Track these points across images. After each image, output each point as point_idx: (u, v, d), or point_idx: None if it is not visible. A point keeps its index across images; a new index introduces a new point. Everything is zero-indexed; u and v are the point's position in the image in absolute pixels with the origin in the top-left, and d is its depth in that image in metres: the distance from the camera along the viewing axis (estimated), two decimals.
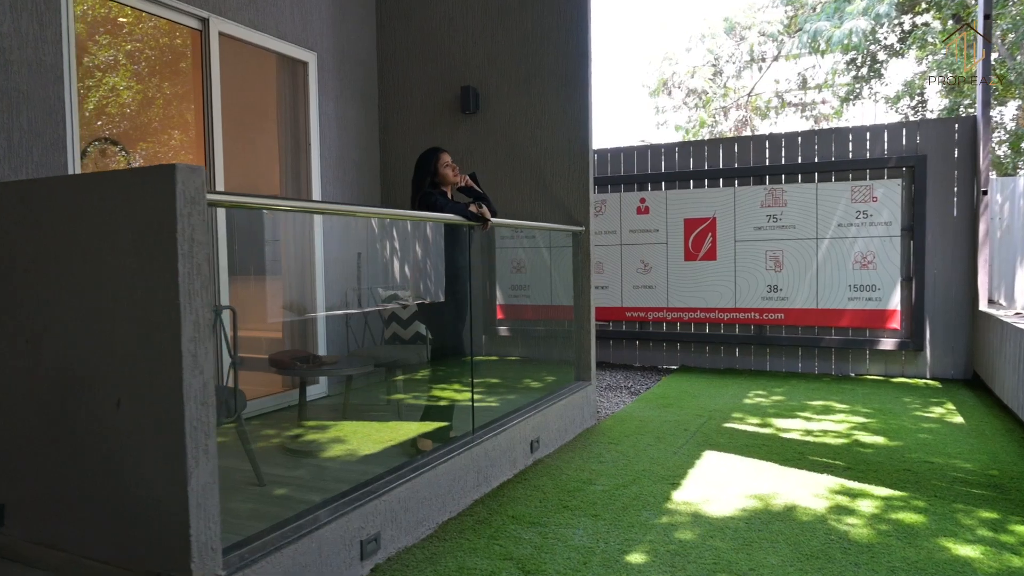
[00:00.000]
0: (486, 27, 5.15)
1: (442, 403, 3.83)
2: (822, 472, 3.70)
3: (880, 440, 4.33)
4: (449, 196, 3.76)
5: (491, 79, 5.16)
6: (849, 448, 4.17)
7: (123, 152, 4.03)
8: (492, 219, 3.48)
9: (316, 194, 4.91)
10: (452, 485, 3.13)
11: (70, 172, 3.32)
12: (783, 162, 6.83)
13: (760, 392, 5.92)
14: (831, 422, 4.82)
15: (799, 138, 6.78)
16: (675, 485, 3.51)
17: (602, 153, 7.62)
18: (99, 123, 3.76)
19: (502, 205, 5.06)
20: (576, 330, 4.94)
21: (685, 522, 3.03)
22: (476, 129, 5.24)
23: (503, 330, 6.27)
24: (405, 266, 4.61)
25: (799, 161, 6.77)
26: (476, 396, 4.91)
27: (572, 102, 4.85)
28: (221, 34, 4.15)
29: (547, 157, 4.96)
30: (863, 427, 4.66)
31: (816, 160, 6.69)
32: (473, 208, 3.41)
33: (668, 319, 7.30)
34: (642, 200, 7.36)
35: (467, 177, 3.81)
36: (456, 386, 3.88)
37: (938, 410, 5.13)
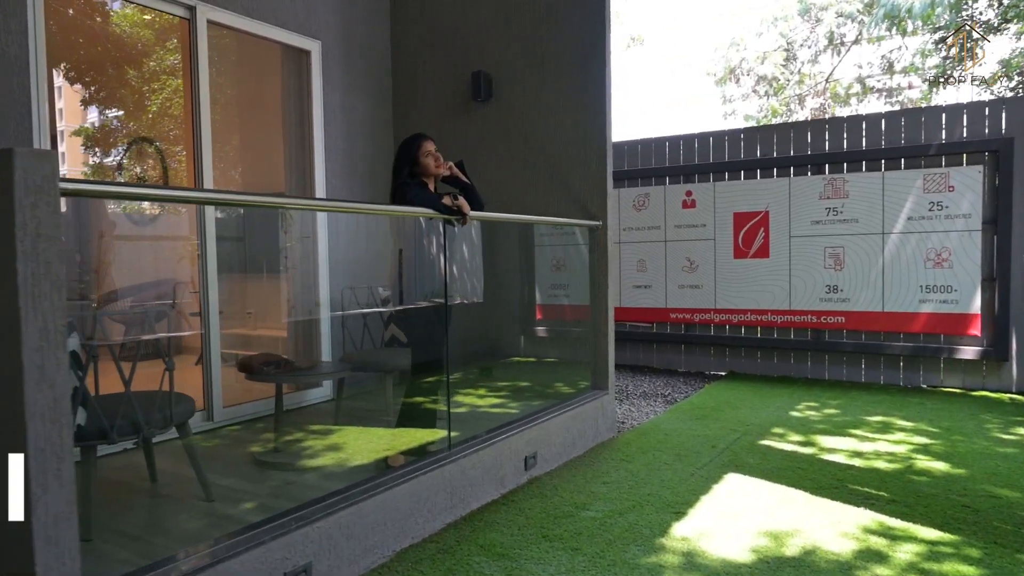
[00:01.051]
0: (499, 9, 4.81)
1: (419, 414, 3.51)
2: (859, 505, 3.16)
3: (941, 466, 3.72)
4: (432, 188, 3.44)
5: (503, 64, 4.82)
6: (901, 475, 3.59)
7: (154, 147, 3.93)
8: (472, 212, 3.13)
9: (320, 190, 4.70)
10: (415, 507, 2.82)
11: None
12: (845, 148, 6.15)
13: (812, 404, 5.32)
14: (887, 442, 4.22)
15: (863, 122, 6.08)
16: (679, 515, 3.08)
17: (645, 143, 7.12)
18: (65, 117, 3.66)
19: (514, 198, 4.73)
20: (592, 333, 4.53)
21: (675, 563, 2.60)
22: (488, 118, 4.90)
23: (540, 331, 5.93)
24: (388, 266, 4.34)
25: (863, 147, 6.06)
26: (482, 403, 4.61)
27: (588, 86, 4.44)
28: (210, 22, 3.98)
29: (561, 146, 4.57)
30: (924, 450, 4.05)
31: (883, 145, 5.97)
32: (447, 200, 3.06)
33: (716, 321, 6.73)
34: (688, 193, 6.83)
35: (452, 165, 3.46)
36: (450, 394, 3.56)
37: (1021, 431, 4.42)
